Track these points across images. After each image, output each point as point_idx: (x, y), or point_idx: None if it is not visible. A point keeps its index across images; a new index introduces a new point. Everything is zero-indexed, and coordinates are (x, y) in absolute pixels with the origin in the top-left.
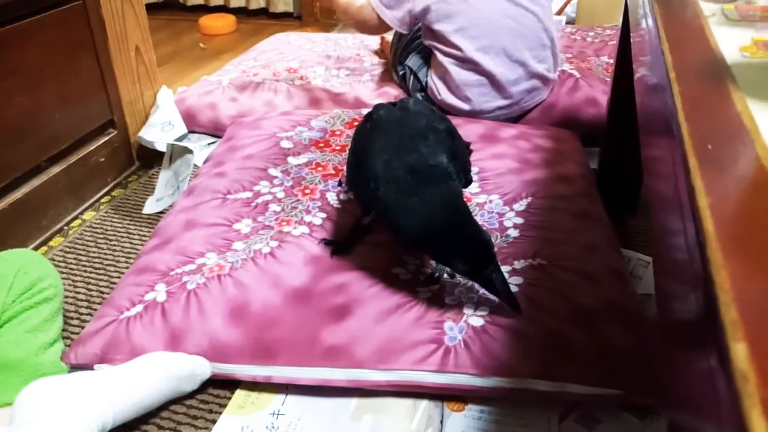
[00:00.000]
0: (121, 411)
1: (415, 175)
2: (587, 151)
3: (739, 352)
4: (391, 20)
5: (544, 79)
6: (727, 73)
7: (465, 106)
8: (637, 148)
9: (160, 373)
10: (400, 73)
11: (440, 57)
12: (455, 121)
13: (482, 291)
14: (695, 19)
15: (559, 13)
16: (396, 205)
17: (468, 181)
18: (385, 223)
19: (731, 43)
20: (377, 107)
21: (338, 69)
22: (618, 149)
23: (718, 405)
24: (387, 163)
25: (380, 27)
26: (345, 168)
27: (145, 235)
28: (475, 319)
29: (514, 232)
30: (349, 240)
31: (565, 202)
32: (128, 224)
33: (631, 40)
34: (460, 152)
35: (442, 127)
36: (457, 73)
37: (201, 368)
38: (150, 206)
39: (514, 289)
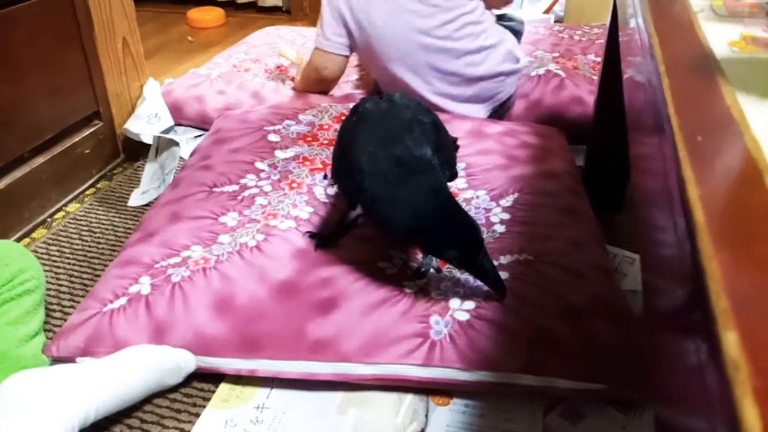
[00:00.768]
0: (103, 404)
1: (400, 166)
2: (573, 148)
3: (731, 340)
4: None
5: (493, 76)
6: (717, 67)
7: None
8: (624, 146)
9: (144, 366)
10: None
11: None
12: (443, 116)
13: (469, 285)
14: (684, 14)
15: (548, 11)
16: (382, 197)
17: (453, 175)
18: (372, 215)
19: (720, 38)
20: (363, 100)
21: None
22: (604, 147)
23: (709, 396)
24: (372, 156)
25: (332, 64)
26: (331, 161)
27: (129, 228)
28: (461, 313)
29: (500, 228)
30: (334, 233)
31: (552, 198)
32: (113, 216)
33: (620, 38)
34: (446, 145)
35: (427, 120)
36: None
37: (186, 361)
38: (135, 199)
39: None
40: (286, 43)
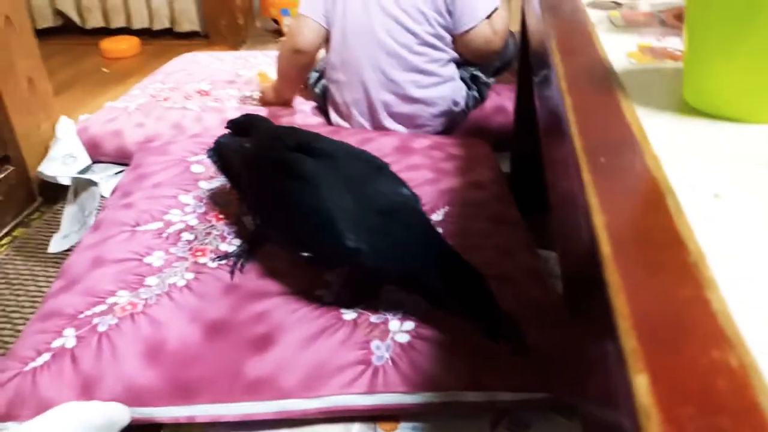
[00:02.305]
0: None
1: (385, 216)
2: (498, 155)
3: (641, 385)
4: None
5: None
6: (616, 81)
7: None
8: None
9: (72, 427)
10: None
11: None
12: (369, 135)
13: (407, 305)
14: (583, 26)
15: None
16: (382, 255)
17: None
18: (367, 275)
19: (618, 49)
20: (284, 155)
21: (251, 89)
22: (527, 152)
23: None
24: (358, 216)
25: (309, 31)
26: (261, 226)
27: (51, 276)
28: (401, 335)
29: None
30: (244, 252)
31: (480, 208)
32: (33, 265)
33: (529, 48)
34: None
35: (380, 162)
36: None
37: (119, 415)
38: (56, 244)
39: None
40: (203, 69)
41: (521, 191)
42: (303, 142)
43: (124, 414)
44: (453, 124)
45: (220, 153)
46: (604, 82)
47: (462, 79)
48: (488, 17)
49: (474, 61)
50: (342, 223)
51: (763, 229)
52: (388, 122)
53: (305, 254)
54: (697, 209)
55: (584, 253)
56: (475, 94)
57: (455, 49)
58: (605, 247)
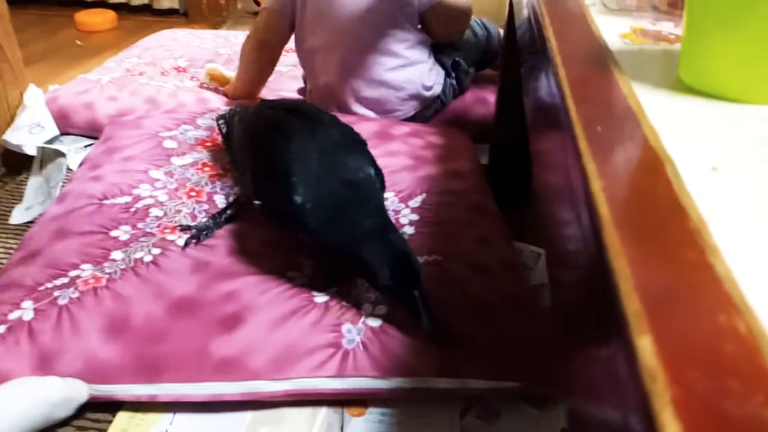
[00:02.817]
0: None
1: (347, 189)
2: (477, 147)
3: (645, 347)
4: None
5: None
6: (611, 58)
7: None
8: (526, 143)
9: (27, 401)
10: None
11: None
12: (350, 119)
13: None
14: (577, 8)
15: None
16: (327, 219)
17: (383, 188)
18: (311, 236)
19: (612, 30)
20: (274, 112)
21: (232, 69)
22: (507, 144)
23: (625, 406)
24: (318, 178)
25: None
26: (251, 179)
27: (12, 248)
28: (373, 319)
29: (409, 229)
30: (208, 226)
31: (458, 197)
32: None
33: (517, 35)
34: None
35: (359, 138)
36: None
37: (76, 391)
38: (18, 216)
39: None
40: (182, 46)
41: (499, 184)
42: (296, 106)
43: (82, 390)
44: (427, 110)
45: (228, 121)
46: (599, 59)
47: (443, 65)
48: None
49: (443, 40)
50: (296, 178)
51: (762, 202)
52: (357, 107)
53: (257, 203)
54: (696, 181)
55: (579, 231)
56: (453, 82)
57: (424, 30)
58: (603, 210)
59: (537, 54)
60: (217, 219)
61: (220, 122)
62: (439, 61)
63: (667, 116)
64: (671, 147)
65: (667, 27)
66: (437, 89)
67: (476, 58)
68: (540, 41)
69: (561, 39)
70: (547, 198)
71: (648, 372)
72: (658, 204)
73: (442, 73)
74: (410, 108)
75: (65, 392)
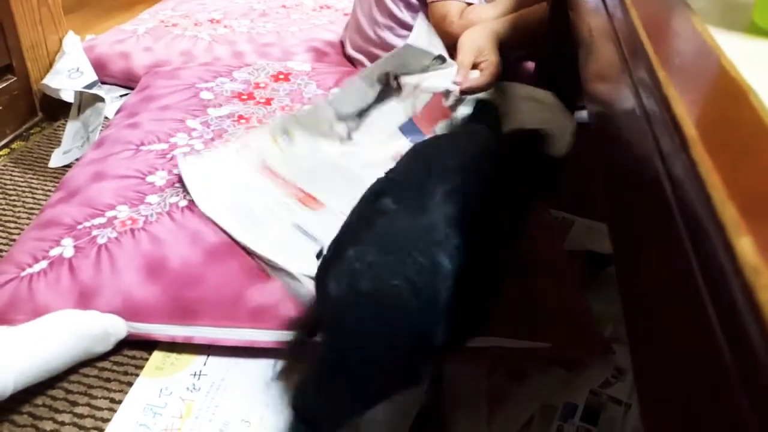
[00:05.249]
0: (22, 374)
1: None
2: None
3: (746, 246)
4: None
5: None
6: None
7: None
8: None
9: (68, 333)
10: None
11: None
12: None
13: None
14: None
15: None
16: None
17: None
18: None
19: None
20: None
21: (264, 21)
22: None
23: (712, 315)
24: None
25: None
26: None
27: (49, 191)
28: None
29: None
30: None
31: None
32: (30, 179)
33: None
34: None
35: (441, 228)
36: None
37: (115, 327)
38: (57, 159)
39: None
40: (217, 0)
41: None
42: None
43: (120, 327)
44: None
45: None
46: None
47: None
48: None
49: None
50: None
51: None
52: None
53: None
54: None
55: (660, 161)
56: None
57: None
58: (690, 131)
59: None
60: None
61: None
62: None
63: (742, 55)
64: (751, 81)
65: None
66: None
67: None
68: None
69: None
70: (612, 139)
71: (751, 269)
72: (744, 127)
73: None
74: None
75: (104, 327)
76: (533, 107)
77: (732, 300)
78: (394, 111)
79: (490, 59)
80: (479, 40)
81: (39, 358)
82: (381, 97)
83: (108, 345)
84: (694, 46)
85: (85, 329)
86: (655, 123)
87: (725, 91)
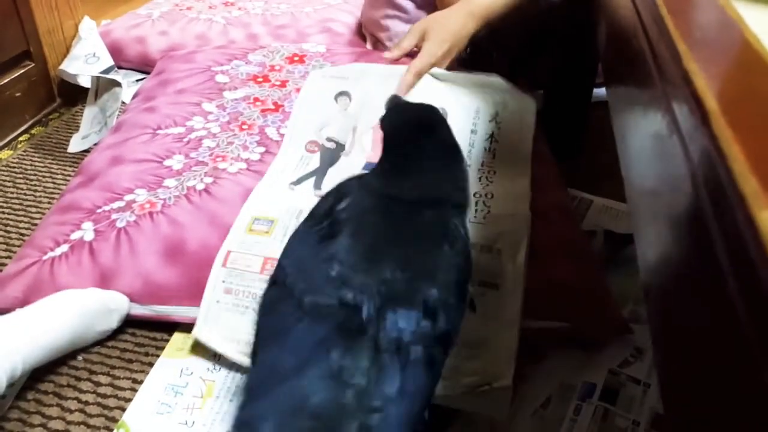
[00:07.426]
0: (30, 354)
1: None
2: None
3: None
4: None
5: None
6: None
7: None
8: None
9: (67, 310)
10: None
11: None
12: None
13: None
14: None
15: None
16: None
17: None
18: None
19: None
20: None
21: (278, 3)
22: (563, 91)
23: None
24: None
25: None
26: None
27: (69, 175)
28: None
29: None
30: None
31: None
32: (50, 163)
33: None
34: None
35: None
36: None
37: (117, 303)
38: (75, 144)
39: None
40: None
41: (553, 131)
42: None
43: (122, 302)
44: None
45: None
46: None
47: None
48: None
49: None
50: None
51: None
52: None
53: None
54: None
55: (677, 135)
56: None
57: None
58: (710, 103)
59: None
60: None
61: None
62: None
63: (765, 30)
64: None
65: None
66: None
67: None
68: None
69: None
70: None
71: None
72: (762, 99)
73: None
74: None
75: (104, 302)
76: (488, 94)
77: (755, 273)
78: (349, 164)
79: (426, 48)
80: (434, 25)
81: (43, 337)
82: (331, 161)
83: (112, 322)
84: (715, 18)
85: (84, 306)
86: (675, 101)
87: (748, 64)
